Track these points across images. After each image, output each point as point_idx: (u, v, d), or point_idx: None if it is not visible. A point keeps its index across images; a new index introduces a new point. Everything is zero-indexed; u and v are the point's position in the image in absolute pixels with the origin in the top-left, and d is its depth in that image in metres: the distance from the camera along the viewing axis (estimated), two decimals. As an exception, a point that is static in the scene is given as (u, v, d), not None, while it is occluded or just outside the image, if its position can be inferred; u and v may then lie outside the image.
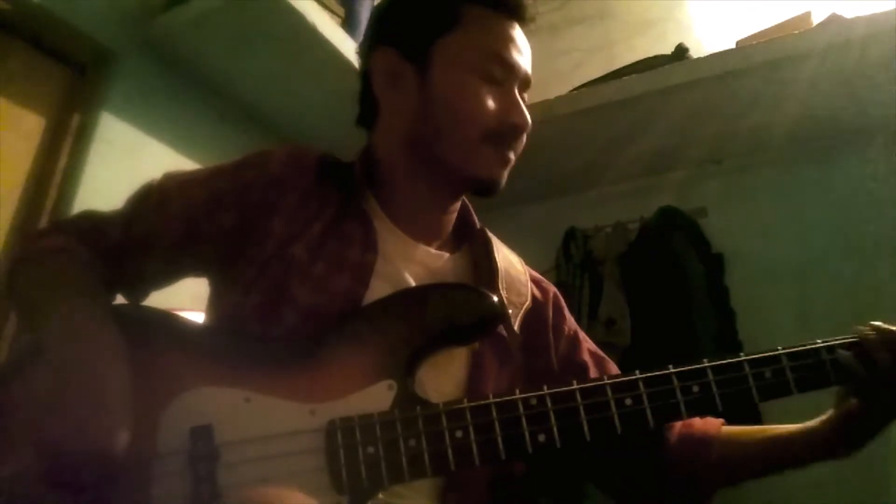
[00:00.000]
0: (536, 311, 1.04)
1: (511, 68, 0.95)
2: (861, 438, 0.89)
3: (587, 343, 1.10)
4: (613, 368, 1.07)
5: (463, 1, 0.95)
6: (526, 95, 0.99)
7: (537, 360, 1.01)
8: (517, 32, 0.98)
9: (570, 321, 1.11)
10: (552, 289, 1.12)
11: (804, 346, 0.87)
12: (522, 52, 0.97)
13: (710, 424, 0.98)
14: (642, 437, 0.95)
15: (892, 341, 0.85)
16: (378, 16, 1.05)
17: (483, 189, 0.98)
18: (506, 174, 0.98)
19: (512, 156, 0.97)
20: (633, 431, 0.83)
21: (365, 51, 1.04)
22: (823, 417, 0.90)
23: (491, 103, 0.93)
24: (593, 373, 1.04)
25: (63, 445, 0.67)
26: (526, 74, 0.98)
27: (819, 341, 0.88)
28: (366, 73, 1.03)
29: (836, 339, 0.88)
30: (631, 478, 1.02)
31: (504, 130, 0.94)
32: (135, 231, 0.93)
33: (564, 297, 1.15)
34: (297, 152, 1.00)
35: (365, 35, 1.08)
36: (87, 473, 0.67)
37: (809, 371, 0.85)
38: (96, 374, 0.71)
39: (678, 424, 0.99)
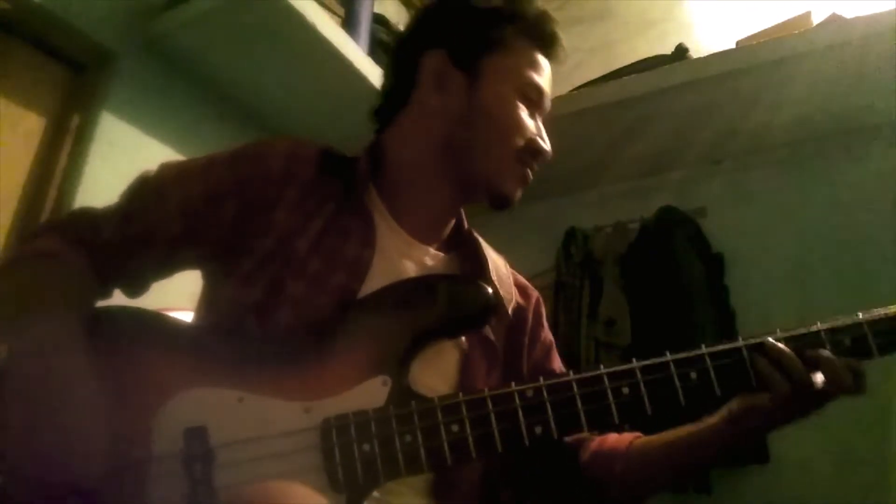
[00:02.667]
0: (518, 314, 1.06)
1: (543, 99, 1.03)
2: (762, 433, 0.91)
3: (557, 359, 1.12)
4: None
5: (507, 25, 1.01)
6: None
7: (509, 359, 1.02)
8: (546, 65, 1.05)
9: (547, 332, 1.13)
10: (535, 295, 1.13)
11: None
12: (549, 84, 1.05)
13: (621, 439, 0.99)
14: (559, 453, 0.98)
15: (807, 356, 0.82)
16: (430, 17, 1.08)
17: (500, 202, 1.02)
18: (521, 191, 1.03)
19: (531, 177, 1.03)
20: (630, 421, 0.83)
21: (411, 48, 1.06)
22: (723, 412, 0.89)
23: (530, 125, 1.00)
24: None
25: (34, 474, 0.66)
26: (548, 106, 1.06)
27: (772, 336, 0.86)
28: (401, 69, 1.05)
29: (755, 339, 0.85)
30: (551, 494, 1.03)
31: (532, 153, 1.01)
32: (132, 226, 0.92)
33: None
34: (298, 146, 0.99)
35: (411, 32, 1.10)
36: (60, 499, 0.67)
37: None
38: (59, 398, 0.69)
39: (595, 441, 1.01)
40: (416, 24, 1.10)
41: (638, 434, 0.99)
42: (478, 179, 1.00)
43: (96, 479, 0.68)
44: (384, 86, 1.09)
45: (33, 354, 0.72)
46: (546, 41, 1.04)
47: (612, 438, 1.00)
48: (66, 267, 0.87)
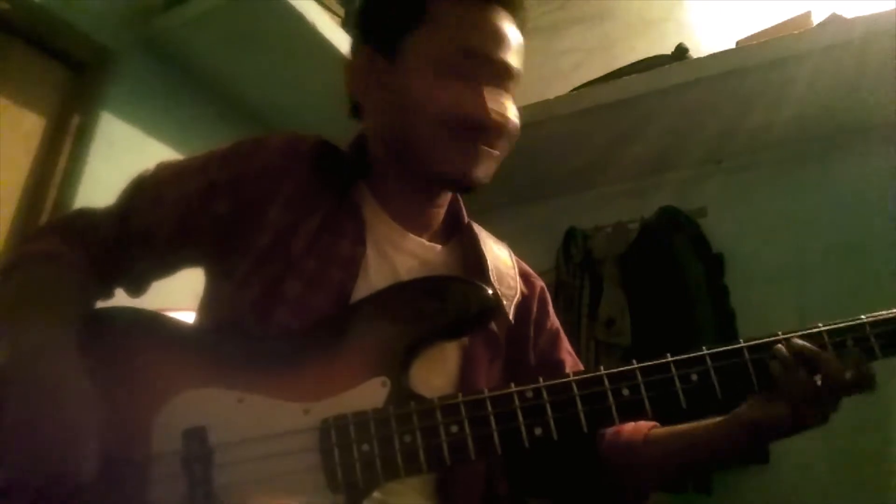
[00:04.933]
0: (523, 305, 1.03)
1: (481, 60, 0.91)
2: (768, 441, 0.89)
3: (566, 343, 1.09)
4: None
5: None
6: (511, 84, 0.95)
7: (515, 352, 1.01)
8: (492, 19, 0.92)
9: (553, 319, 1.10)
10: (539, 283, 1.11)
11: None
12: (497, 41, 0.92)
13: (638, 430, 0.97)
14: (577, 445, 0.95)
15: (808, 359, 0.81)
16: (356, 14, 1.05)
17: (457, 187, 0.96)
18: (481, 169, 0.93)
19: (483, 149, 0.92)
20: (630, 421, 0.82)
21: (349, 50, 1.05)
22: (735, 418, 0.87)
23: (448, 97, 0.89)
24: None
25: (24, 480, 0.66)
26: (502, 64, 0.92)
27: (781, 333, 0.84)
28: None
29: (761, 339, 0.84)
30: (568, 485, 1.02)
31: (464, 123, 0.89)
32: (130, 225, 0.93)
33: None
34: (293, 141, 0.98)
35: (352, 35, 1.09)
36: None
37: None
38: (54, 402, 0.70)
39: (610, 430, 0.98)
40: (351, 24, 1.08)
41: (654, 424, 0.97)
42: (425, 171, 0.94)
43: (88, 479, 0.68)
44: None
45: (25, 358, 0.73)
46: None
47: (629, 428, 0.97)
48: (66, 268, 0.87)
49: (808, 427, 0.83)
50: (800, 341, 0.82)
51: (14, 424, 0.68)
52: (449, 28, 0.91)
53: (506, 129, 0.93)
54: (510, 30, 0.94)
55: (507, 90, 0.94)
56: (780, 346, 0.82)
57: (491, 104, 0.90)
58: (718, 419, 0.90)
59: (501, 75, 0.93)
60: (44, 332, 0.76)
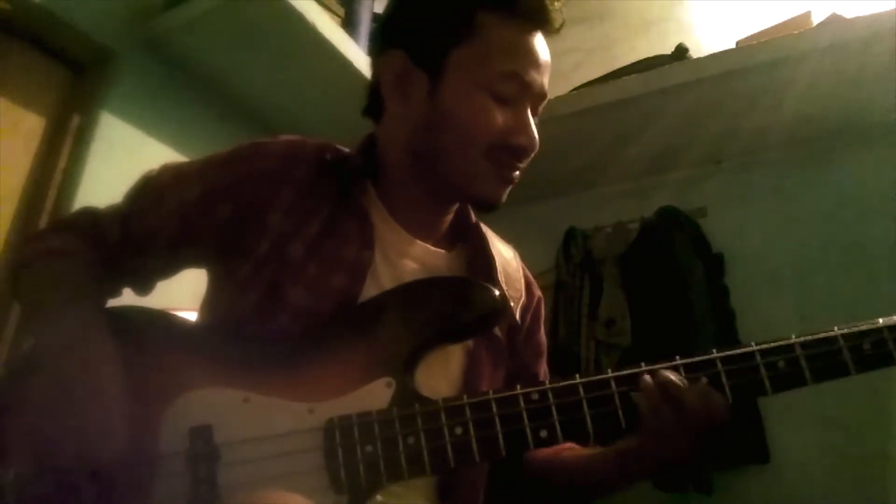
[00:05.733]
0: (522, 313, 1.04)
1: (525, 87, 0.91)
2: (640, 476, 0.88)
3: (545, 364, 1.10)
4: None
5: (478, 8, 0.89)
6: (541, 107, 0.96)
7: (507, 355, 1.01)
8: (537, 43, 0.92)
9: (542, 336, 1.11)
10: (537, 294, 1.11)
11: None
12: (540, 67, 0.92)
13: (543, 453, 0.97)
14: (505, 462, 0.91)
15: (673, 397, 0.78)
16: (390, 14, 1.00)
17: (481, 206, 0.96)
18: (507, 192, 0.95)
19: (516, 175, 0.94)
20: (636, 425, 0.82)
21: (376, 48, 1.00)
22: (617, 447, 0.87)
23: (498, 123, 0.89)
24: None
25: (57, 458, 0.68)
26: (541, 89, 0.93)
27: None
28: (373, 69, 1.00)
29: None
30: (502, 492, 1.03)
31: (508, 150, 0.91)
32: (132, 228, 0.93)
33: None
34: (295, 145, 0.98)
35: (377, 30, 1.04)
36: (81, 483, 0.69)
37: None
38: (88, 384, 0.72)
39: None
40: (383, 21, 1.01)
41: (571, 445, 0.96)
42: (450, 186, 0.94)
43: (114, 461, 0.69)
44: (368, 84, 1.03)
45: (59, 346, 0.74)
46: (527, 11, 0.90)
47: (543, 451, 0.98)
48: (82, 264, 0.89)
49: (681, 461, 0.82)
50: (666, 374, 0.79)
51: (46, 409, 0.70)
52: (497, 50, 0.89)
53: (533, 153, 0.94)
54: (547, 54, 0.94)
55: (536, 113, 0.95)
56: (646, 377, 0.79)
57: (533, 132, 0.92)
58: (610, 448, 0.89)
59: (537, 101, 0.94)
60: (74, 320, 0.78)
